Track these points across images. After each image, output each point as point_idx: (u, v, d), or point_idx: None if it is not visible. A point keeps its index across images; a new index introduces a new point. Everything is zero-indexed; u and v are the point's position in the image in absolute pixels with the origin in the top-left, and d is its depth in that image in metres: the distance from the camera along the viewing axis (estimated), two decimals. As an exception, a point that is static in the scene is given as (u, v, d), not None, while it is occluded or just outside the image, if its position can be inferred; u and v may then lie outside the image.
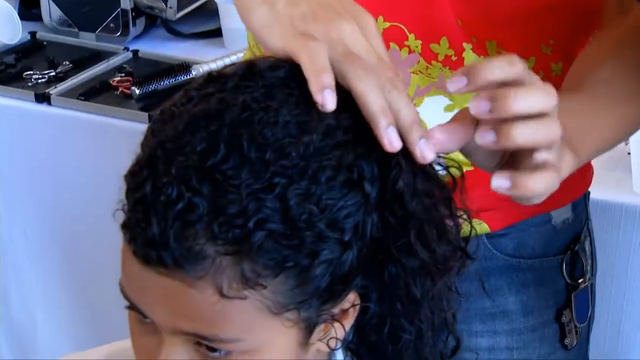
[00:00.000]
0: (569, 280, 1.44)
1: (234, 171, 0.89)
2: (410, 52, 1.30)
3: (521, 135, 0.95)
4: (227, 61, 2.24)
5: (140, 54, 2.36)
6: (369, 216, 0.96)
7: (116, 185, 2.11)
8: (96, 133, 2.17)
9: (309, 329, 0.98)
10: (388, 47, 1.06)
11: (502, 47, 1.34)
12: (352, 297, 0.99)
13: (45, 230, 2.35)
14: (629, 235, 1.80)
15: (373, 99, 0.93)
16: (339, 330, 1.01)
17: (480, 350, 1.28)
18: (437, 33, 1.30)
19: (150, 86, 2.15)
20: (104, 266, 1.97)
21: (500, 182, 0.97)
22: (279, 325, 0.95)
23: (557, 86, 1.19)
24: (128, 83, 2.19)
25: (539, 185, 0.97)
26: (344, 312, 1.00)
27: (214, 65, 2.21)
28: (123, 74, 2.25)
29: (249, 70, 0.97)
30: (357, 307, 1.01)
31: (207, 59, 2.28)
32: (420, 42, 1.30)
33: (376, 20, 1.17)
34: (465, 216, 1.05)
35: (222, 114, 0.92)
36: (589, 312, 1.49)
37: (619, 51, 1.28)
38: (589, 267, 1.47)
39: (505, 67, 0.96)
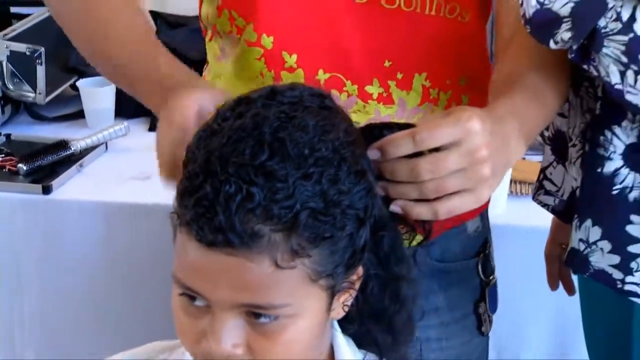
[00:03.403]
0: (483, 278, 1.55)
1: (280, 165, 1.00)
2: (349, 95, 1.37)
3: (445, 209, 1.10)
4: (100, 137, 2.37)
5: (12, 137, 2.43)
6: (374, 199, 1.09)
7: (16, 251, 2.21)
8: None
9: (332, 295, 1.08)
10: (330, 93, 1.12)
11: (427, 79, 1.43)
12: (360, 270, 1.11)
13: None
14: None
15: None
16: (349, 300, 1.12)
17: (415, 341, 1.28)
18: (369, 76, 1.37)
19: (36, 162, 2.25)
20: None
21: (394, 208, 1.13)
22: (316, 290, 1.05)
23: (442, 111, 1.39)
24: (13, 161, 2.27)
25: (444, 211, 1.11)
26: (353, 282, 1.11)
27: (89, 141, 2.35)
28: (3, 155, 2.32)
29: (271, 93, 1.09)
30: (362, 278, 1.12)
31: (75, 138, 2.35)
32: (356, 86, 1.37)
33: (317, 72, 1.33)
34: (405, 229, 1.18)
35: (260, 125, 1.03)
36: (497, 303, 1.59)
37: (530, 60, 1.36)
38: (494, 266, 1.59)
39: (410, 144, 1.09)
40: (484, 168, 1.10)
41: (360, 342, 1.22)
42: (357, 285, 1.13)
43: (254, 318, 1.04)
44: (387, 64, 1.38)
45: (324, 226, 1.03)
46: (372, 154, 1.11)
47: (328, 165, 1.04)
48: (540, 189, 1.58)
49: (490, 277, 1.57)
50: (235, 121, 1.05)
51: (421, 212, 1.11)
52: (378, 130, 1.14)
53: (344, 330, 1.20)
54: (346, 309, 1.14)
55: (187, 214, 1.02)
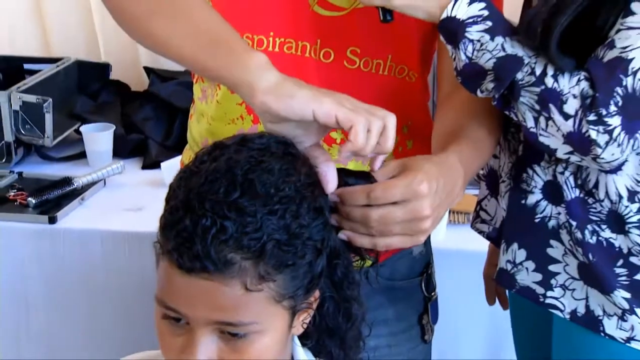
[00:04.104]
0: (426, 294, 1.54)
1: (249, 202, 1.01)
2: None
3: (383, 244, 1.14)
4: (99, 174, 2.35)
5: (24, 175, 2.41)
6: (330, 232, 1.10)
7: (24, 273, 2.21)
8: (3, 238, 2.17)
9: (293, 315, 1.08)
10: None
11: None
12: (317, 293, 1.11)
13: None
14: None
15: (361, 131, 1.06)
16: (307, 318, 1.13)
17: (368, 349, 1.28)
18: None
19: (44, 196, 2.23)
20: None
21: (342, 236, 1.14)
22: (280, 310, 1.05)
23: (392, 154, 1.35)
24: (23, 195, 2.25)
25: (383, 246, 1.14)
26: (311, 303, 1.11)
27: (91, 177, 2.33)
28: (15, 190, 2.29)
29: (243, 140, 1.09)
30: (318, 300, 1.13)
31: (77, 175, 2.32)
32: None
33: None
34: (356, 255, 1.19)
35: (232, 167, 1.03)
36: (438, 315, 1.58)
37: (467, 110, 1.38)
38: (435, 284, 1.57)
39: (364, 199, 1.12)
40: (425, 223, 1.14)
41: (317, 355, 1.21)
42: (314, 306, 1.13)
43: (226, 334, 1.04)
44: None
45: (287, 255, 1.04)
46: (332, 197, 1.12)
47: (291, 203, 1.04)
48: (477, 218, 1.58)
49: (432, 294, 1.56)
50: (211, 164, 1.05)
51: (363, 242, 1.14)
52: (339, 177, 1.14)
53: (303, 345, 1.20)
54: (305, 326, 1.14)
55: (169, 244, 1.02)
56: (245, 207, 1.01)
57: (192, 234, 1.00)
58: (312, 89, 1.09)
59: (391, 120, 1.11)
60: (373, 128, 1.09)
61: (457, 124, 1.35)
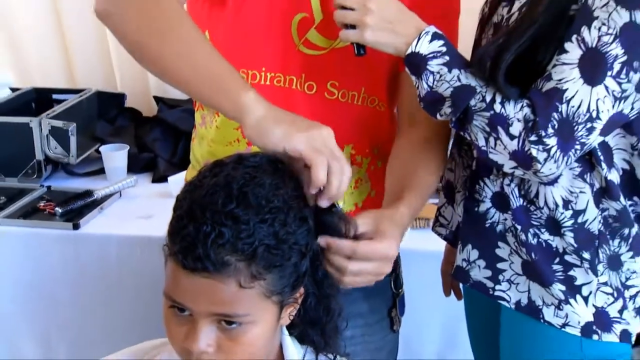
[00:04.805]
0: (394, 290, 1.53)
1: (243, 212, 1.00)
2: None
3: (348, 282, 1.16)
4: (115, 187, 2.34)
5: (52, 188, 2.40)
6: (312, 239, 1.10)
7: (52, 273, 2.19)
8: (34, 242, 2.16)
9: (281, 308, 1.08)
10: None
11: (353, 149, 1.42)
12: (301, 290, 1.11)
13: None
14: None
15: (322, 171, 1.06)
16: (294, 311, 1.12)
17: (345, 339, 1.29)
18: None
19: (69, 206, 2.22)
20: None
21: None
22: (269, 304, 1.05)
23: (377, 177, 1.43)
24: (51, 206, 2.24)
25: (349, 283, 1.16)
26: (296, 298, 1.11)
27: (109, 190, 2.32)
28: (45, 201, 2.28)
29: (239, 158, 1.08)
30: (303, 295, 1.12)
31: (97, 188, 2.31)
32: None
33: None
34: None
35: (229, 182, 1.03)
36: (405, 308, 1.57)
37: (419, 154, 1.38)
38: (402, 282, 1.57)
39: (348, 253, 1.14)
40: (386, 272, 1.20)
41: (302, 342, 1.21)
42: (299, 301, 1.13)
43: (223, 324, 1.03)
44: None
45: (276, 257, 1.03)
46: (321, 242, 1.13)
47: (279, 213, 1.03)
48: (436, 223, 1.57)
49: (400, 290, 1.55)
50: (212, 179, 1.05)
51: (332, 272, 1.16)
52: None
53: (290, 334, 1.19)
54: (291, 317, 1.13)
55: (175, 247, 1.02)
56: (240, 216, 1.00)
57: (195, 239, 1.00)
58: (288, 127, 1.08)
59: (348, 172, 1.12)
60: (334, 169, 1.08)
61: (410, 170, 1.36)
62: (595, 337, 1.31)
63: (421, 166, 1.37)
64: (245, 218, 1.01)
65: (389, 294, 1.54)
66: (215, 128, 1.41)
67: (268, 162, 1.09)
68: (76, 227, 2.17)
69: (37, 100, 2.78)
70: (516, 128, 1.19)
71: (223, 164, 1.08)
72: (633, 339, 1.35)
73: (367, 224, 1.20)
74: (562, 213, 1.29)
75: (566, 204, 1.29)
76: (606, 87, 1.16)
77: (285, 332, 1.18)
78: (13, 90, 2.79)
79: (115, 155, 2.49)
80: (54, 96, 2.78)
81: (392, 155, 1.41)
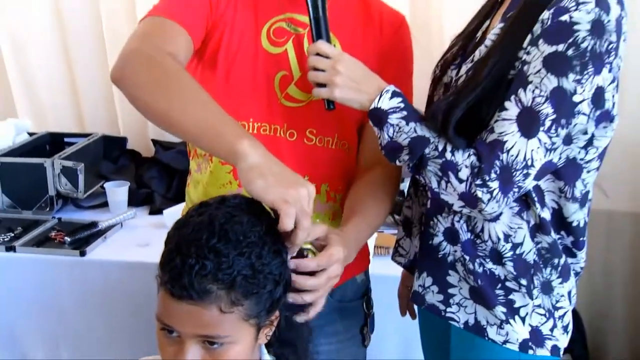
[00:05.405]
0: (366, 311, 1.54)
1: (224, 246, 0.99)
2: None
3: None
4: (117, 219, 2.32)
5: (62, 220, 2.38)
6: (285, 269, 1.08)
7: (60, 293, 2.16)
8: (46, 267, 2.13)
9: (258, 330, 1.07)
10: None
11: (329, 187, 1.42)
12: (277, 313, 1.10)
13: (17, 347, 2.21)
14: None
15: (289, 221, 1.03)
16: (270, 332, 1.11)
17: (322, 353, 1.32)
18: None
19: (76, 236, 2.21)
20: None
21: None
22: (247, 326, 1.03)
23: (339, 206, 1.42)
24: (61, 235, 2.21)
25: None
26: (272, 321, 1.10)
27: (111, 221, 2.29)
28: (56, 231, 2.26)
29: (222, 200, 1.08)
30: (278, 318, 1.11)
31: (101, 219, 2.30)
32: None
33: None
34: None
35: (212, 221, 1.02)
36: (374, 326, 1.57)
37: (372, 192, 1.39)
38: (373, 303, 1.57)
39: (314, 268, 1.13)
40: (339, 273, 1.18)
41: (279, 358, 1.19)
42: (275, 323, 1.12)
43: (207, 344, 1.02)
44: (306, 177, 1.34)
45: (252, 286, 1.02)
46: (291, 265, 1.11)
47: (255, 247, 1.02)
48: (395, 253, 1.56)
49: (371, 310, 1.55)
50: (198, 217, 1.04)
51: (296, 299, 1.14)
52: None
53: (268, 351, 1.18)
54: (268, 337, 1.13)
55: (165, 277, 1.01)
56: (220, 250, 0.99)
57: (181, 270, 0.99)
58: (271, 180, 1.04)
59: (321, 229, 1.13)
60: (301, 224, 1.05)
61: (364, 201, 1.37)
62: (530, 352, 1.31)
63: (372, 199, 1.37)
64: (225, 252, 0.99)
65: (361, 314, 1.53)
66: (210, 173, 1.40)
67: (246, 202, 1.07)
68: (83, 254, 2.14)
69: (51, 142, 2.76)
70: (464, 173, 1.19)
71: (208, 205, 1.07)
72: (561, 352, 1.35)
73: (320, 231, 1.19)
74: (503, 245, 1.29)
75: (507, 237, 1.29)
76: (539, 140, 1.17)
77: (264, 350, 1.16)
78: (31, 134, 2.76)
79: (118, 191, 2.47)
80: (66, 139, 2.76)
81: (351, 190, 1.41)
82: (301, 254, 1.13)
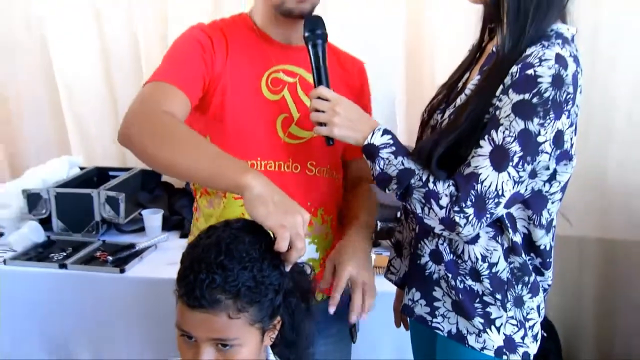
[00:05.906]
0: None
1: (230, 262, 1.01)
2: None
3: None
4: (153, 241, 2.32)
5: (106, 242, 2.37)
6: (285, 279, 1.09)
7: (103, 306, 2.15)
8: (92, 282, 2.14)
9: (263, 333, 1.07)
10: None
11: (324, 211, 1.42)
12: (278, 318, 1.11)
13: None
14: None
15: (284, 244, 1.03)
16: (274, 335, 1.13)
17: (319, 351, 1.32)
18: None
19: (117, 255, 2.21)
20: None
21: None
22: (253, 330, 1.05)
23: (336, 230, 1.42)
24: (105, 255, 2.22)
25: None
26: (275, 325, 1.11)
27: (147, 244, 2.29)
28: (100, 251, 2.27)
29: (226, 224, 1.09)
30: (280, 322, 1.13)
31: (139, 242, 2.31)
32: None
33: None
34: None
35: (219, 241, 1.03)
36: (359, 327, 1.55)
37: (363, 204, 1.43)
38: None
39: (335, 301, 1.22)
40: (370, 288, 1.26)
41: (282, 358, 1.19)
42: (278, 327, 1.13)
43: (219, 346, 1.03)
44: (308, 203, 1.39)
45: (255, 295, 1.03)
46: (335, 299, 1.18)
47: (256, 262, 1.04)
48: (388, 271, 1.56)
49: None
50: (207, 240, 1.05)
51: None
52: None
53: (273, 352, 1.17)
54: (272, 339, 1.13)
55: (181, 291, 1.03)
56: (227, 265, 1.01)
57: (194, 284, 1.01)
58: (271, 208, 1.03)
59: (304, 250, 1.09)
60: (296, 246, 1.05)
61: (357, 212, 1.41)
62: (505, 357, 1.30)
63: (364, 210, 1.43)
64: (231, 267, 1.01)
65: None
66: (223, 207, 1.39)
67: (248, 224, 1.08)
68: (122, 271, 2.15)
69: (97, 175, 2.78)
70: (444, 201, 1.20)
71: (215, 228, 1.08)
72: (531, 358, 1.34)
73: (327, 271, 1.21)
74: (481, 265, 1.29)
75: (484, 258, 1.29)
76: (509, 174, 1.17)
77: (270, 350, 1.17)
78: (81, 168, 2.79)
79: (153, 217, 2.48)
80: (110, 173, 2.78)
81: (343, 204, 1.46)
82: (299, 268, 1.14)
